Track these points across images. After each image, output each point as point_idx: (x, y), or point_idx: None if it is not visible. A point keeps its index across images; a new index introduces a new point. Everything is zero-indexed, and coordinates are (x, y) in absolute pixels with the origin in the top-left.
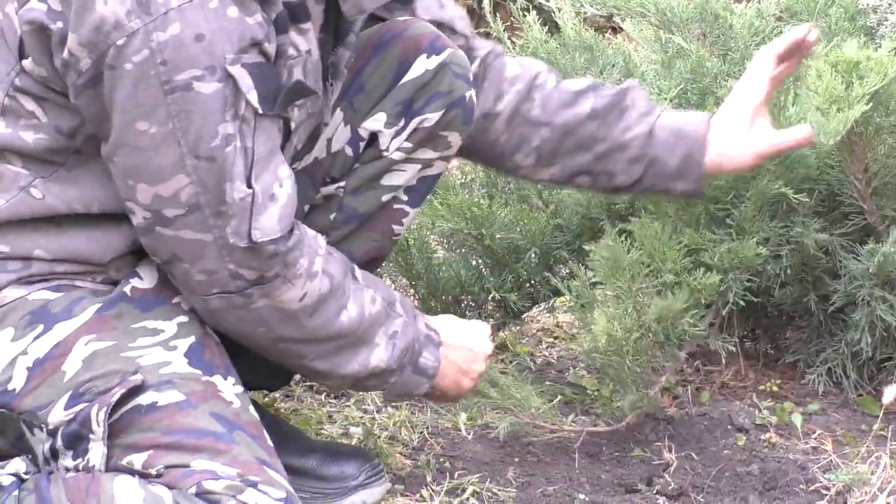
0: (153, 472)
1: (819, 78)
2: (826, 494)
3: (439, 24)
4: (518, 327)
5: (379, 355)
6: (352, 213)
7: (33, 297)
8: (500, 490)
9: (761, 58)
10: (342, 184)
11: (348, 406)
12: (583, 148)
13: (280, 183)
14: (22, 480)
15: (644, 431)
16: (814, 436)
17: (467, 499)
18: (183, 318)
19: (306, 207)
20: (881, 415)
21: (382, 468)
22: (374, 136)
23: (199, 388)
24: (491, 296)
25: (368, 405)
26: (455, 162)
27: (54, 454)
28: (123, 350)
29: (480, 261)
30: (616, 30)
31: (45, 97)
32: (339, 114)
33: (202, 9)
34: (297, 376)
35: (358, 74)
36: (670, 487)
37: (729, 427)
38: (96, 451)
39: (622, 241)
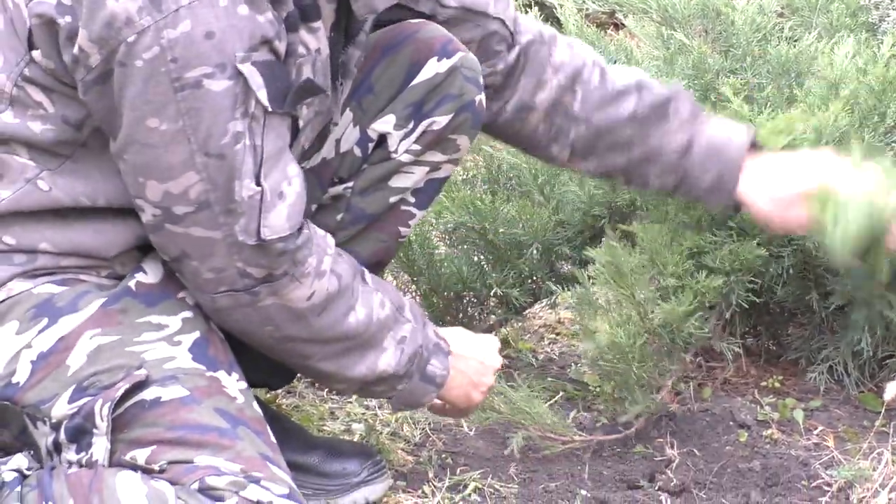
0: (156, 467)
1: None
2: (828, 491)
3: (470, 10)
4: (520, 323)
5: (387, 360)
6: (359, 214)
7: (38, 290)
8: (501, 486)
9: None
10: (350, 184)
11: (350, 402)
12: (618, 150)
13: (289, 181)
14: (24, 476)
15: (646, 428)
16: (815, 432)
17: (469, 495)
18: (188, 314)
19: (314, 207)
20: (883, 411)
21: (384, 465)
22: (382, 138)
23: (203, 383)
24: (493, 292)
25: (370, 401)
26: None
27: (57, 448)
28: (128, 345)
29: (482, 257)
30: (618, 26)
31: (53, 88)
32: (348, 114)
33: (213, 6)
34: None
35: (368, 75)
36: (672, 484)
37: (731, 423)
38: (100, 446)
39: (623, 245)
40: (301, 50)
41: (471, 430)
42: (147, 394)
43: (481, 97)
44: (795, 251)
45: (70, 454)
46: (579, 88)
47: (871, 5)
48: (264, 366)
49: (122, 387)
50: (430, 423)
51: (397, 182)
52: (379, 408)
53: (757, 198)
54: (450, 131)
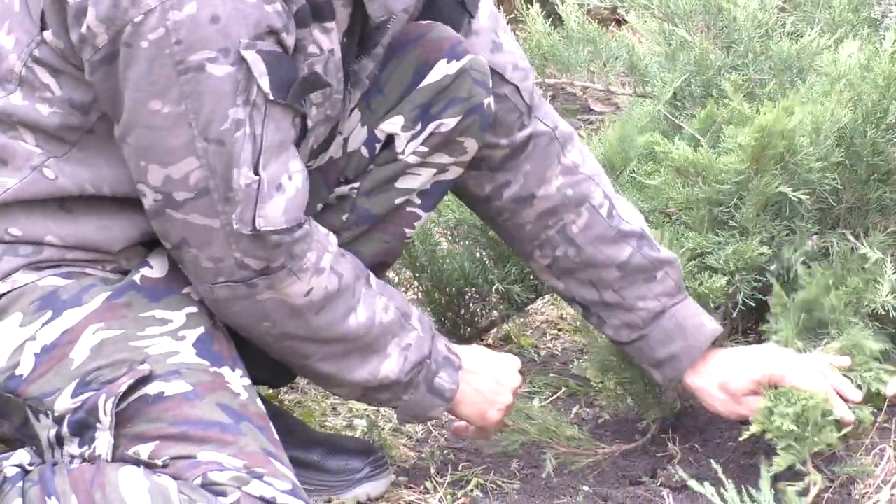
0: (159, 462)
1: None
2: (830, 486)
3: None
4: (522, 319)
5: (390, 366)
6: (364, 215)
7: (43, 282)
8: (504, 482)
9: (812, 363)
10: (356, 184)
11: None
12: (594, 286)
13: (289, 175)
14: (26, 472)
15: (659, 432)
16: None
17: (471, 491)
18: (192, 309)
19: (319, 206)
20: (885, 407)
21: (386, 461)
22: (390, 139)
23: (206, 378)
24: (495, 288)
25: None
26: None
27: (59, 441)
28: (132, 339)
29: (484, 252)
30: (620, 22)
31: (62, 70)
32: (356, 114)
33: None
34: None
35: (377, 76)
36: (674, 479)
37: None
38: (103, 441)
39: None
40: (313, 49)
41: None
42: (150, 388)
43: (490, 100)
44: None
45: (72, 448)
46: (585, 213)
47: (873, 1)
48: (266, 364)
49: (126, 382)
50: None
51: (403, 183)
52: None
53: (707, 386)
54: (457, 133)
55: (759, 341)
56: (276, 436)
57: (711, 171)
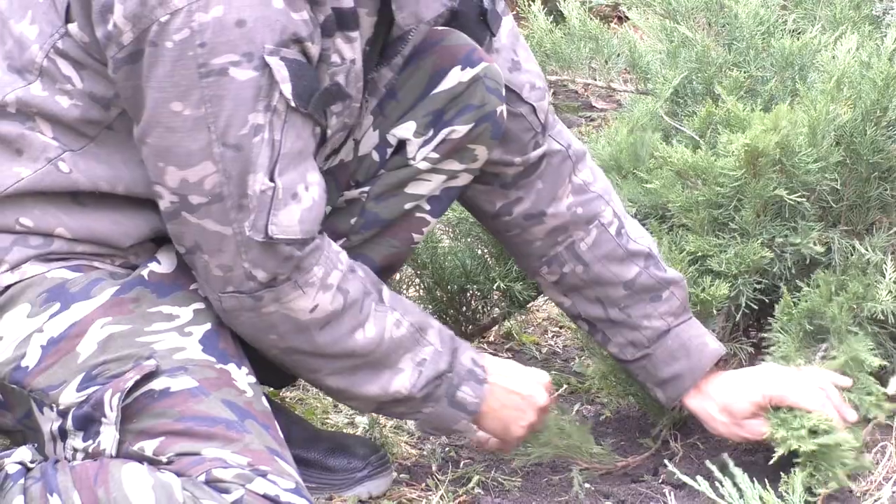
0: (163, 459)
1: None
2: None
3: (506, 89)
4: (523, 317)
5: (402, 381)
6: (373, 219)
7: (51, 274)
8: (505, 479)
9: (811, 379)
10: (366, 189)
11: None
12: (601, 304)
13: (306, 186)
14: (28, 469)
15: (650, 421)
16: None
17: (472, 488)
18: (199, 305)
19: (328, 209)
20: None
21: (388, 459)
22: (401, 144)
23: (212, 375)
24: (496, 285)
25: None
26: None
27: (62, 434)
28: (139, 335)
29: (486, 250)
30: (621, 19)
31: (84, 63)
32: (368, 118)
33: None
34: None
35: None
36: (675, 477)
37: None
38: (108, 435)
39: None
40: (335, 58)
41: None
42: (156, 384)
43: (502, 108)
44: (797, 251)
45: (76, 442)
46: (594, 230)
47: None
48: (269, 364)
49: (133, 378)
50: None
51: (413, 189)
52: None
53: (708, 408)
54: (469, 141)
55: (761, 344)
56: (280, 434)
57: (710, 173)
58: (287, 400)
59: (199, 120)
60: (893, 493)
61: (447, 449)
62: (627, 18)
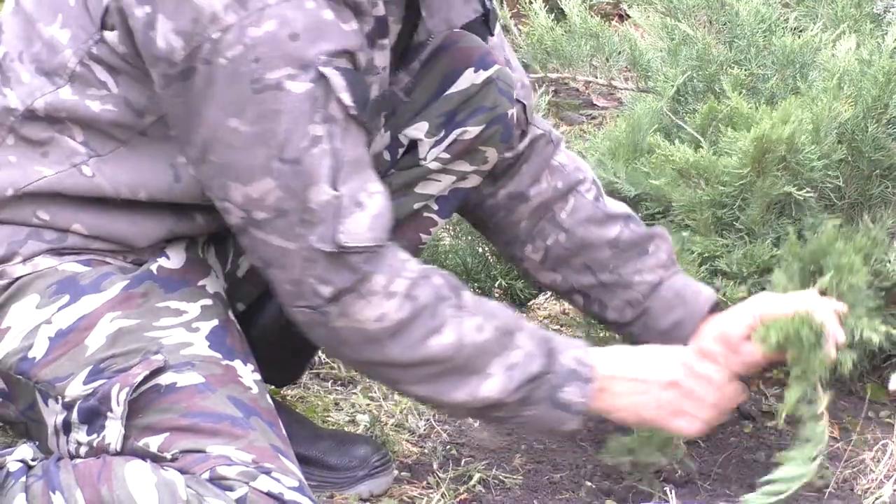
0: (168, 455)
1: None
2: (833, 482)
3: None
4: (524, 315)
5: (491, 386)
6: None
7: (62, 267)
8: (506, 477)
9: (805, 298)
10: None
11: (355, 393)
12: (590, 270)
13: (370, 195)
14: (29, 467)
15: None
16: None
17: (474, 486)
18: (207, 301)
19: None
20: (887, 402)
21: (389, 458)
22: (412, 144)
23: (218, 371)
24: (497, 283)
25: (375, 392)
26: None
27: (67, 428)
28: (147, 329)
29: (487, 248)
30: (622, 17)
31: (120, 69)
32: (380, 119)
33: (299, 8)
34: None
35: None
36: (677, 474)
37: (735, 414)
38: (113, 430)
39: None
40: (376, 67)
41: (475, 422)
42: (163, 379)
43: (513, 111)
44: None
45: (80, 435)
46: (572, 198)
47: None
48: (270, 362)
49: (141, 373)
50: (434, 415)
51: (423, 189)
52: (384, 399)
53: (706, 345)
54: (480, 142)
55: None
56: (283, 432)
57: (713, 172)
58: (288, 398)
59: (257, 136)
60: (895, 490)
61: (448, 447)
62: (628, 16)
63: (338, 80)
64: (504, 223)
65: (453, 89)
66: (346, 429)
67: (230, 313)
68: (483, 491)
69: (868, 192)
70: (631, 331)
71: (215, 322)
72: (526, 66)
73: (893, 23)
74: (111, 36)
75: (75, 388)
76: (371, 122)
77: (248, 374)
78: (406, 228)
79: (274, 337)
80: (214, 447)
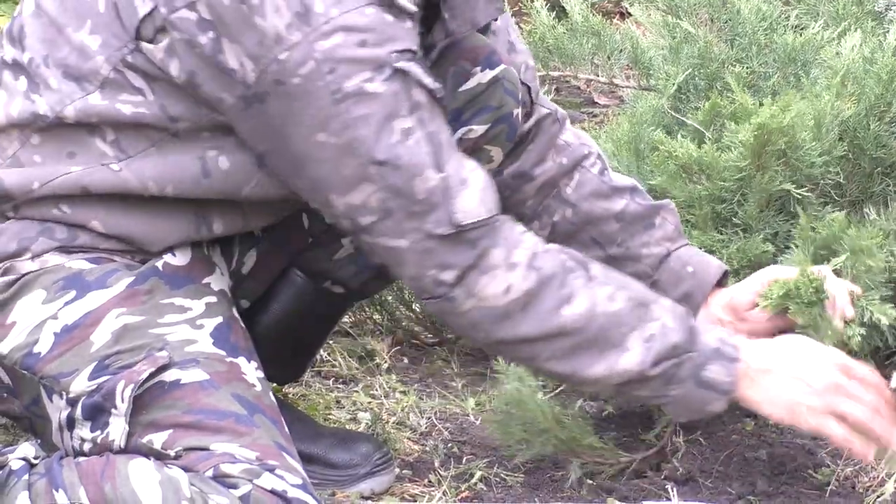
0: (171, 453)
1: None
2: (834, 479)
3: None
4: None
5: (630, 359)
6: None
7: (69, 264)
8: (508, 475)
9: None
10: None
11: (356, 391)
12: (597, 244)
13: (470, 170)
14: (32, 465)
15: (653, 417)
16: None
17: (475, 484)
18: (211, 299)
19: None
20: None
21: (391, 456)
22: None
23: (222, 368)
24: None
25: (376, 390)
26: None
27: (70, 423)
28: (152, 326)
29: None
30: (624, 15)
31: (157, 77)
32: None
33: (362, 15)
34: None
35: None
36: (679, 472)
37: (737, 412)
38: (117, 427)
39: None
40: None
41: (477, 419)
42: (167, 376)
43: (518, 111)
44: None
45: (84, 431)
46: (577, 174)
47: None
48: (273, 360)
49: (147, 370)
50: (436, 412)
51: None
52: (385, 397)
53: (714, 313)
54: (485, 141)
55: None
56: (286, 430)
57: (714, 168)
58: (290, 396)
59: (346, 145)
60: None
61: (449, 444)
62: (630, 14)
63: (415, 68)
64: (509, 202)
65: (460, 88)
66: (347, 427)
67: (234, 311)
68: (484, 489)
69: (869, 189)
70: None
71: (219, 319)
72: None
73: (895, 20)
74: (151, 48)
75: (80, 384)
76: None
77: (251, 371)
78: None
79: (277, 335)
80: (218, 444)
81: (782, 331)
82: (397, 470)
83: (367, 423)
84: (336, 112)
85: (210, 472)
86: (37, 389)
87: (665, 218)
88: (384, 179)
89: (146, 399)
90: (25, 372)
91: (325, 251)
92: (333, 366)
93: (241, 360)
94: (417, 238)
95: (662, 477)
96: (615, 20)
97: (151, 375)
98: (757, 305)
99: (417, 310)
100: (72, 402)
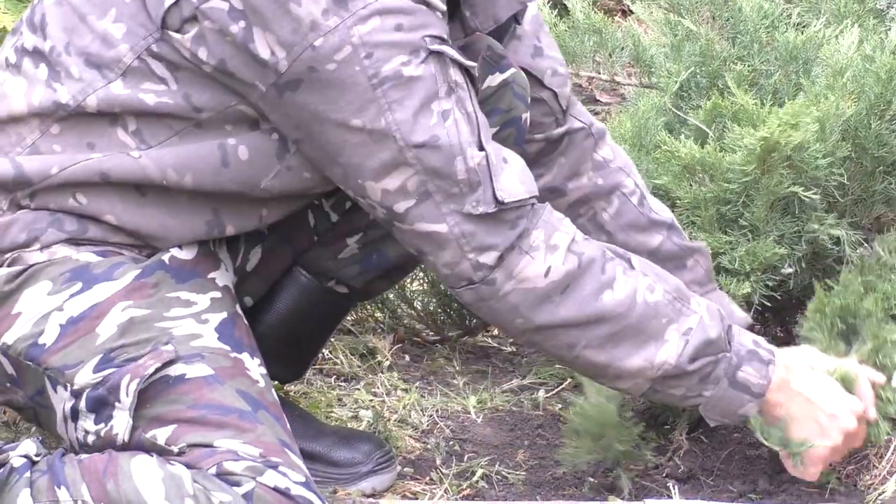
0: (175, 449)
1: None
2: (835, 478)
3: (527, 71)
4: None
5: (667, 351)
6: None
7: (77, 256)
8: (509, 473)
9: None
10: None
11: (358, 389)
12: None
13: (507, 151)
14: (33, 462)
15: (654, 415)
16: None
17: (477, 482)
18: (216, 294)
19: (347, 204)
20: None
21: (392, 454)
22: None
23: (227, 364)
24: None
25: (378, 388)
26: None
27: (74, 415)
28: (158, 319)
29: None
30: (625, 12)
31: (181, 66)
32: None
33: (397, 0)
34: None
35: None
36: (680, 470)
37: None
38: (121, 420)
39: None
40: None
41: (478, 417)
42: (172, 370)
43: (527, 115)
44: (808, 244)
45: (88, 423)
46: (616, 200)
47: None
48: (276, 359)
49: (153, 365)
50: (437, 410)
51: None
52: (387, 395)
53: None
54: None
55: (766, 330)
56: (289, 427)
57: (718, 169)
58: (291, 394)
59: (383, 130)
60: None
61: (451, 442)
62: (631, 12)
63: (448, 49)
64: None
65: None
66: (349, 425)
67: (238, 307)
68: (486, 487)
69: (871, 188)
70: None
71: (224, 314)
72: None
73: None
74: (179, 38)
75: (84, 377)
76: None
77: (255, 367)
78: None
79: (280, 333)
80: (222, 441)
81: None
82: (399, 468)
83: (368, 421)
84: (373, 97)
85: (213, 469)
86: (41, 380)
87: (697, 261)
88: (421, 162)
89: (151, 392)
90: (30, 363)
91: (329, 250)
92: (335, 363)
93: (245, 357)
94: (457, 220)
95: (664, 475)
96: (617, 18)
97: (157, 370)
98: None
99: (419, 308)
100: (76, 394)
